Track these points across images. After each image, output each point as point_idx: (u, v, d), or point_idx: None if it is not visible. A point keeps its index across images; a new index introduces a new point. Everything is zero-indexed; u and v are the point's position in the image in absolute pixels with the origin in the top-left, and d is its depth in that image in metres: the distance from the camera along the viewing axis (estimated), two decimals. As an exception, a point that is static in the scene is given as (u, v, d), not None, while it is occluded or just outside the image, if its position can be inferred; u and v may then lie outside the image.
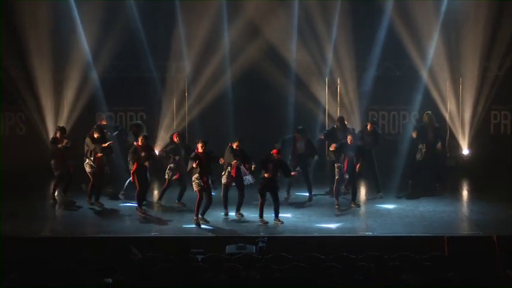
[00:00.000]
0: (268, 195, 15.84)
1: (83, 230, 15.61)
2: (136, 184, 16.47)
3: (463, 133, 21.40)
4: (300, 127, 18.04)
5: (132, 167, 16.49)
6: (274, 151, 15.91)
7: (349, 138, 17.02)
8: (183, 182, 17.04)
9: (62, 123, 20.89)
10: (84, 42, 20.83)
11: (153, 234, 15.22)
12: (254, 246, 13.46)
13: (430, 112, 18.97)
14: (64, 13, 20.68)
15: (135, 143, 16.77)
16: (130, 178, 16.75)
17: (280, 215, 15.88)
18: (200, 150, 15.66)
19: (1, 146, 20.97)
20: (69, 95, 21.19)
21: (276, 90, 21.13)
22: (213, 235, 15.15)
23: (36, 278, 11.75)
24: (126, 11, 20.79)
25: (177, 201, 17.22)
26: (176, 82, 21.50)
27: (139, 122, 19.34)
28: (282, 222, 15.76)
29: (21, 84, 21.12)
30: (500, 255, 13.81)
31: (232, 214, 16.33)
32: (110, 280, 11.64)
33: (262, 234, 14.69)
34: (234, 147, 16.28)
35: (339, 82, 21.63)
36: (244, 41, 20.98)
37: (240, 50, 20.98)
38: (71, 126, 20.81)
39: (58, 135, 17.54)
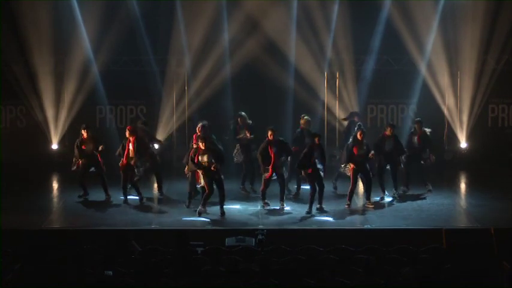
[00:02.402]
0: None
1: (84, 223, 15.66)
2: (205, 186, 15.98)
3: (461, 126, 21.44)
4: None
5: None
6: (316, 138, 16.03)
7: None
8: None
9: (62, 117, 21.02)
10: (84, 36, 20.82)
11: (153, 226, 15.29)
12: (253, 239, 13.54)
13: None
14: (65, 7, 20.69)
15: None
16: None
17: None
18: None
19: (2, 138, 21.04)
20: (70, 88, 21.20)
21: (275, 84, 21.11)
22: (213, 228, 15.22)
23: (38, 269, 11.85)
24: (126, 5, 20.79)
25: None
26: (176, 76, 21.52)
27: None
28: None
29: (23, 78, 21.11)
30: (498, 247, 13.91)
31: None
32: (110, 272, 11.73)
33: (261, 227, 14.74)
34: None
35: (337, 76, 21.67)
36: (244, 35, 20.99)
37: (239, 44, 21.00)
38: (71, 119, 20.97)
39: (85, 135, 16.87)
